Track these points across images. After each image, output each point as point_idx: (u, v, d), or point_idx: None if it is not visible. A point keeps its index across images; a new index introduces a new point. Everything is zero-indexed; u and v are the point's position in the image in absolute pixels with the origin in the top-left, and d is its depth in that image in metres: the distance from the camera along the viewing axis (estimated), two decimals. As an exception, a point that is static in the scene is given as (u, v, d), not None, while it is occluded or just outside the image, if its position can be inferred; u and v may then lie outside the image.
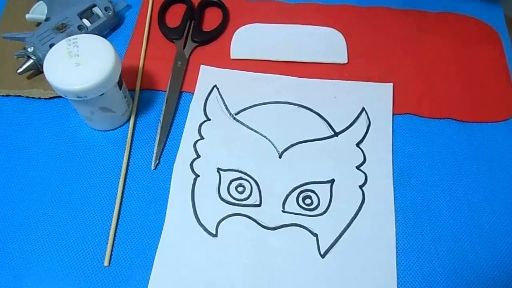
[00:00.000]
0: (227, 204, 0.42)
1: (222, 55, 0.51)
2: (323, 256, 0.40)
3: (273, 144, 0.45)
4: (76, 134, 0.46)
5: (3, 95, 0.49)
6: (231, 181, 0.43)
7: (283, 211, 0.42)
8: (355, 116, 0.47)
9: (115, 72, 0.40)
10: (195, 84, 0.49)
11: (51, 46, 0.46)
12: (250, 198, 0.42)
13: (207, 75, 0.50)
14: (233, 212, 0.42)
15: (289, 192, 0.42)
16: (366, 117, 0.47)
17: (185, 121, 0.47)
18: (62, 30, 0.49)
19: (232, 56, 0.51)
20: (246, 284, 0.38)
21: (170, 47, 0.52)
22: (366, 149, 0.45)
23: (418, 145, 0.45)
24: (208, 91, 0.48)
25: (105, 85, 0.40)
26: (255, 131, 0.46)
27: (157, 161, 0.44)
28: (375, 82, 0.49)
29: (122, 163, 0.44)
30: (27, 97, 0.48)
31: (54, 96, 0.48)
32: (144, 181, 0.44)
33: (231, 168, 0.44)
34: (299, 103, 0.47)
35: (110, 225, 0.41)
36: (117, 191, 0.43)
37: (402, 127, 0.46)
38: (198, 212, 0.42)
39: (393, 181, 0.43)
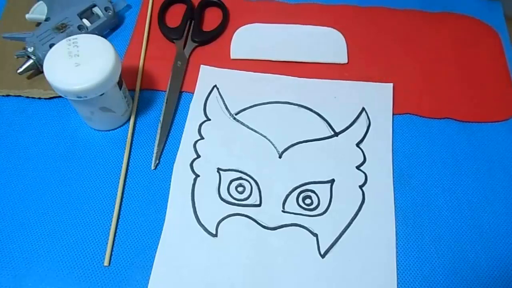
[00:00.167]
0: (227, 204, 0.42)
1: (222, 55, 0.51)
2: (323, 256, 0.40)
3: (273, 144, 0.45)
4: (76, 134, 0.46)
5: (3, 95, 0.49)
6: (231, 181, 0.43)
7: (283, 211, 0.42)
8: (355, 116, 0.47)
9: (115, 72, 0.40)
10: (195, 84, 0.49)
11: (51, 46, 0.46)
12: (250, 198, 0.42)
13: (207, 75, 0.50)
14: (233, 212, 0.42)
15: (289, 192, 0.42)
16: (366, 117, 0.47)
17: (185, 121, 0.47)
18: (62, 30, 0.49)
19: (232, 56, 0.51)
20: (246, 284, 0.38)
21: (170, 47, 0.52)
22: (366, 149, 0.45)
23: (418, 145, 0.45)
24: (208, 91, 0.48)
25: (105, 85, 0.40)
26: (255, 131, 0.46)
27: (157, 161, 0.44)
28: (375, 82, 0.49)
29: (122, 163, 0.44)
30: (27, 97, 0.48)
31: (54, 96, 0.48)
32: (144, 181, 0.44)
33: (231, 168, 0.44)
34: (299, 103, 0.47)
35: (110, 225, 0.41)
36: (117, 191, 0.43)
37: (402, 127, 0.46)
38: (198, 212, 0.42)
39: (393, 181, 0.43)
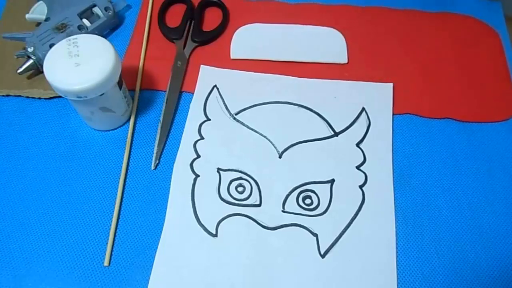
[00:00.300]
0: (227, 204, 0.42)
1: (222, 55, 0.51)
2: (323, 256, 0.40)
3: (273, 144, 0.45)
4: (76, 134, 0.46)
5: (3, 95, 0.49)
6: (231, 181, 0.43)
7: (283, 211, 0.42)
8: (355, 116, 0.47)
9: (115, 72, 0.40)
10: (195, 84, 0.49)
11: (51, 46, 0.46)
12: (250, 198, 0.42)
13: (207, 75, 0.50)
14: (233, 212, 0.42)
15: (289, 192, 0.42)
16: (366, 117, 0.47)
17: (185, 121, 0.47)
18: (62, 30, 0.49)
19: (232, 56, 0.51)
20: (246, 284, 0.38)
21: (170, 47, 0.52)
22: (366, 149, 0.45)
23: (418, 145, 0.45)
24: (208, 91, 0.48)
25: (105, 85, 0.40)
26: (255, 131, 0.46)
27: (157, 161, 0.44)
28: (375, 82, 0.49)
29: (122, 163, 0.44)
30: (27, 97, 0.48)
31: (54, 96, 0.48)
32: (144, 181, 0.44)
33: (231, 168, 0.44)
34: (299, 103, 0.47)
35: (110, 225, 0.41)
36: (117, 191, 0.43)
37: (402, 127, 0.46)
38: (198, 212, 0.42)
39: (393, 181, 0.43)
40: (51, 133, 0.46)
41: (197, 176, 0.43)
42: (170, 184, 0.43)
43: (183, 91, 0.49)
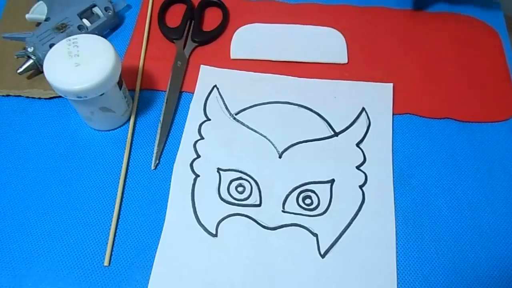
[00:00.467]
0: (227, 204, 0.42)
1: (222, 55, 0.51)
2: (323, 256, 0.40)
3: (273, 144, 0.45)
4: (76, 134, 0.46)
5: (3, 95, 0.49)
6: (231, 181, 0.43)
7: (283, 211, 0.42)
8: (355, 116, 0.47)
9: (115, 72, 0.40)
10: (195, 84, 0.49)
11: (51, 46, 0.46)
12: (250, 198, 0.42)
13: (207, 75, 0.50)
14: (233, 212, 0.42)
15: (289, 192, 0.42)
16: (366, 117, 0.46)
17: (185, 121, 0.47)
18: (62, 30, 0.49)
19: (232, 56, 0.51)
20: (246, 284, 0.38)
21: (170, 47, 0.52)
22: (366, 149, 0.45)
23: (418, 145, 0.45)
24: (208, 91, 0.48)
25: (105, 85, 0.40)
26: (255, 131, 0.46)
27: (157, 161, 0.44)
28: (375, 82, 0.49)
29: (122, 163, 0.44)
30: (27, 97, 0.48)
31: (54, 96, 0.48)
32: (144, 181, 0.44)
33: (231, 168, 0.44)
34: (299, 103, 0.47)
35: (110, 225, 0.41)
36: (117, 191, 0.43)
37: (402, 127, 0.46)
38: (198, 212, 0.42)
39: (393, 181, 0.43)
40: (51, 133, 0.46)
41: (197, 176, 0.43)
42: (170, 184, 0.43)
43: (183, 91, 0.49)
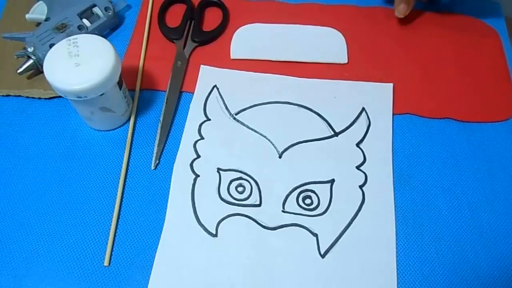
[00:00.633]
0: (227, 204, 0.42)
1: (222, 55, 0.51)
2: (323, 256, 0.40)
3: (273, 144, 0.45)
4: (76, 134, 0.46)
5: (3, 95, 0.49)
6: (231, 181, 0.43)
7: (283, 211, 0.42)
8: (355, 116, 0.47)
9: (115, 72, 0.40)
10: (195, 84, 0.49)
11: (51, 46, 0.46)
12: (250, 198, 0.42)
13: (207, 75, 0.50)
14: (233, 212, 0.42)
15: (289, 192, 0.42)
16: (366, 117, 0.46)
17: (185, 121, 0.47)
18: (62, 30, 0.49)
19: (232, 56, 0.51)
20: (246, 284, 0.38)
21: (170, 47, 0.52)
22: (366, 149, 0.45)
23: (418, 145, 0.45)
24: (208, 91, 0.48)
25: (105, 85, 0.40)
26: (255, 131, 0.46)
27: (157, 161, 0.44)
28: (375, 82, 0.49)
29: (122, 163, 0.44)
30: (27, 97, 0.48)
31: (54, 96, 0.48)
32: (144, 181, 0.44)
33: (231, 168, 0.44)
34: (299, 103, 0.47)
35: (110, 225, 0.41)
36: (117, 191, 0.43)
37: (402, 127, 0.46)
38: (198, 212, 0.42)
39: (393, 181, 0.43)
40: (51, 133, 0.46)
41: (197, 176, 0.43)
42: (170, 184, 0.43)
43: (183, 91, 0.49)
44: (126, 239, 0.41)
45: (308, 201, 0.42)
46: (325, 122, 0.46)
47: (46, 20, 0.49)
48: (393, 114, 0.47)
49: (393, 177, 0.43)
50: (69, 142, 0.46)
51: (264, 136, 0.45)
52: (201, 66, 0.50)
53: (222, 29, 0.53)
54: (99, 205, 0.42)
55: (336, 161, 0.44)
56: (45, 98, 0.48)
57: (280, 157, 0.44)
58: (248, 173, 0.43)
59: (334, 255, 0.40)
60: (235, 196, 0.42)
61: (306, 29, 0.53)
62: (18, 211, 0.42)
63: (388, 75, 0.49)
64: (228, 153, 0.45)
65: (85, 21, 0.50)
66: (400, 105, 0.47)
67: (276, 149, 0.45)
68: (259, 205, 0.42)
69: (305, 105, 0.47)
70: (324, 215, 0.41)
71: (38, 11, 0.51)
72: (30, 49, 0.47)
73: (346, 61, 0.50)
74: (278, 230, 0.41)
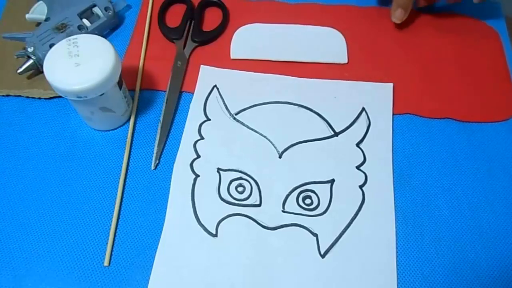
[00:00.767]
0: (227, 204, 0.42)
1: (222, 55, 0.51)
2: (323, 256, 0.40)
3: (273, 144, 0.45)
4: (76, 134, 0.46)
5: (3, 95, 0.49)
6: (231, 181, 0.43)
7: (283, 211, 0.42)
8: (355, 116, 0.47)
9: (115, 72, 0.40)
10: (195, 84, 0.49)
11: (51, 46, 0.46)
12: (250, 198, 0.42)
13: (207, 75, 0.50)
14: (233, 212, 0.42)
15: (289, 192, 0.42)
16: (366, 117, 0.46)
17: (185, 121, 0.47)
18: (62, 30, 0.49)
19: (232, 56, 0.51)
20: (246, 284, 0.38)
21: (170, 47, 0.52)
22: (366, 149, 0.45)
23: (418, 145, 0.45)
24: (208, 91, 0.48)
25: (105, 85, 0.40)
26: (255, 131, 0.46)
27: (157, 161, 0.44)
28: (375, 82, 0.49)
29: (122, 163, 0.44)
30: (27, 97, 0.48)
31: (54, 96, 0.48)
32: (144, 181, 0.44)
33: (231, 168, 0.44)
34: (299, 103, 0.47)
35: (110, 225, 0.41)
36: (117, 191, 0.43)
37: (402, 127, 0.46)
38: (198, 212, 0.42)
39: (393, 181, 0.43)
40: (51, 133, 0.46)
41: (197, 176, 0.43)
42: (170, 184, 0.43)
43: (183, 91, 0.49)
44: (126, 239, 0.41)
45: (308, 201, 0.42)
46: (325, 122, 0.46)
47: (46, 20, 0.49)
48: (393, 114, 0.47)
49: (393, 177, 0.43)
50: (69, 142, 0.46)
51: (264, 136, 0.45)
52: (201, 66, 0.50)
53: (222, 29, 0.53)
54: (99, 205, 0.42)
55: (336, 161, 0.44)
56: (45, 98, 0.48)
57: (280, 157, 0.44)
58: (248, 173, 0.43)
59: (334, 255, 0.40)
60: (235, 196, 0.42)
61: (306, 29, 0.53)
62: (18, 211, 0.42)
63: (388, 75, 0.49)
64: (228, 153, 0.45)
65: (85, 21, 0.50)
66: (400, 105, 0.47)
67: (276, 149, 0.45)
68: (259, 205, 0.42)
69: (305, 105, 0.47)
70: (324, 215, 0.41)
71: (38, 11, 0.51)
72: (30, 49, 0.47)
73: (346, 61, 0.50)
74: (278, 230, 0.41)
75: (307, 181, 0.43)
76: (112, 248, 0.40)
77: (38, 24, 0.51)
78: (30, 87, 0.49)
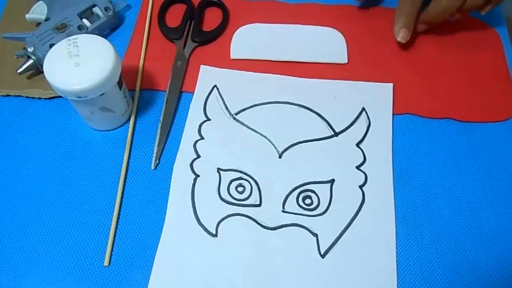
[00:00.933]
0: (227, 204, 0.42)
1: (222, 55, 0.51)
2: (323, 256, 0.40)
3: (273, 144, 0.45)
4: (76, 134, 0.46)
5: (3, 95, 0.49)
6: (231, 181, 0.43)
7: (283, 211, 0.42)
8: (355, 116, 0.47)
9: (115, 72, 0.40)
10: (195, 84, 0.49)
11: (51, 46, 0.46)
12: (250, 198, 0.42)
13: (207, 75, 0.50)
14: (233, 212, 0.42)
15: (289, 192, 0.42)
16: (366, 117, 0.47)
17: (185, 121, 0.47)
18: (62, 30, 0.49)
19: (232, 56, 0.51)
20: (246, 284, 0.38)
21: (170, 47, 0.52)
22: (366, 149, 0.45)
23: (418, 145, 0.45)
24: (208, 91, 0.48)
25: (105, 85, 0.40)
26: (255, 131, 0.46)
27: (157, 161, 0.44)
28: (375, 82, 0.49)
29: (122, 163, 0.44)
30: (27, 97, 0.48)
31: (54, 96, 0.48)
32: (144, 181, 0.44)
33: (231, 168, 0.44)
34: (299, 103, 0.47)
35: (110, 225, 0.41)
36: (117, 191, 0.43)
37: (402, 127, 0.46)
38: (198, 212, 0.42)
39: (393, 181, 0.43)
40: (51, 133, 0.46)
41: (197, 176, 0.43)
42: (170, 184, 0.43)
43: (183, 91, 0.49)
44: (126, 239, 0.41)
45: (308, 201, 0.42)
46: (325, 122, 0.46)
47: (46, 20, 0.49)
48: (393, 114, 0.47)
49: (393, 177, 0.43)
50: (69, 142, 0.46)
51: (264, 136, 0.45)
52: (201, 66, 0.50)
53: (222, 29, 0.53)
54: (99, 205, 0.42)
55: (336, 161, 0.44)
56: (45, 98, 0.48)
57: (280, 157, 0.44)
58: (248, 173, 0.43)
59: (334, 255, 0.40)
60: (235, 196, 0.42)
61: (306, 29, 0.53)
62: (18, 211, 0.42)
63: (388, 75, 0.49)
64: (228, 153, 0.45)
65: (85, 21, 0.50)
66: (400, 105, 0.47)
67: (276, 149, 0.45)
68: (259, 205, 0.42)
69: (305, 105, 0.47)
70: (324, 215, 0.41)
71: (38, 11, 0.51)
72: (30, 49, 0.47)
73: (346, 61, 0.50)
74: (278, 230, 0.41)
75: (307, 181, 0.43)
76: (112, 248, 0.40)
77: (38, 24, 0.51)
78: (30, 87, 0.49)
